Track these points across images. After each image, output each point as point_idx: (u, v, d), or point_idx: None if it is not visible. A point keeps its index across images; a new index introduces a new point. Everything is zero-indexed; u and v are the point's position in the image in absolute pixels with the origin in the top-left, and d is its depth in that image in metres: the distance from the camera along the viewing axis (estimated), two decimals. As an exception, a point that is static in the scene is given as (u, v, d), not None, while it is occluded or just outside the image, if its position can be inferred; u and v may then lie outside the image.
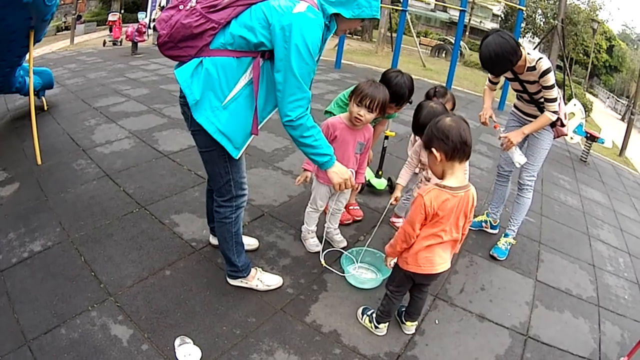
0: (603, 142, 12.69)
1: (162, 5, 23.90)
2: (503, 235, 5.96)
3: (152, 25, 22.21)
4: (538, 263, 5.78)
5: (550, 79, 5.07)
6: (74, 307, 3.85)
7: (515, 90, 5.64)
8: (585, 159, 12.22)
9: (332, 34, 3.72)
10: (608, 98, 57.02)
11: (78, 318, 3.75)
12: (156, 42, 3.51)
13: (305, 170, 4.71)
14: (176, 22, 3.27)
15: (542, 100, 5.35)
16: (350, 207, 5.76)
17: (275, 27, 3.19)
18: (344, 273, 4.57)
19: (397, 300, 3.80)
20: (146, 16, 26.52)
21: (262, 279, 4.24)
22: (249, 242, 4.75)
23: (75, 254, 4.49)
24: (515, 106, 5.85)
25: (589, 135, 12.31)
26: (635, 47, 73.88)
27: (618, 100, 51.65)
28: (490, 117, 5.66)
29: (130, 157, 6.87)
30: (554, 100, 5.19)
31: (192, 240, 4.86)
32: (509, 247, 5.84)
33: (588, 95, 38.58)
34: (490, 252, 5.78)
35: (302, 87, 3.28)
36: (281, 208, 5.78)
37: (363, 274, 4.62)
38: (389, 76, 4.85)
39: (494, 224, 6.23)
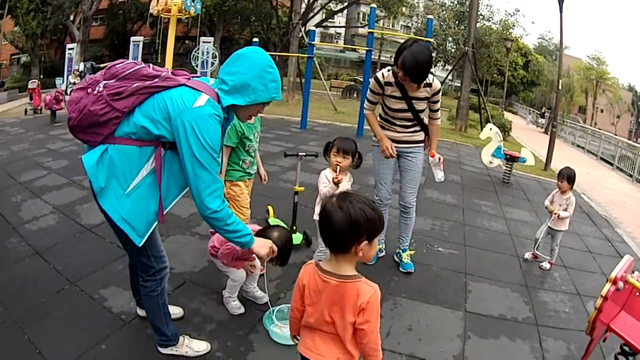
0: (525, 161, 12.86)
1: (79, 70, 23.73)
2: (402, 251, 6.28)
3: (68, 91, 21.94)
4: (466, 294, 5.86)
5: (440, 96, 5.77)
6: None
7: (393, 110, 5.85)
8: (508, 180, 12.54)
9: (231, 123, 3.94)
10: (529, 114, 57.86)
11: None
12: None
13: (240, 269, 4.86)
14: (84, 108, 3.36)
15: (422, 116, 5.88)
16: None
17: (176, 122, 3.32)
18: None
19: None
20: (63, 82, 26.25)
21: (191, 346, 4.28)
22: (174, 311, 4.76)
23: (19, 333, 4.48)
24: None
25: (508, 156, 12.65)
26: (553, 58, 75.26)
27: (544, 115, 52.46)
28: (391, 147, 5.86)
29: (56, 233, 6.85)
30: (439, 110, 5.93)
31: (122, 313, 4.87)
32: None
33: (507, 115, 39.10)
34: (402, 270, 6.13)
35: (214, 177, 3.43)
36: (202, 274, 5.81)
37: (286, 331, 4.58)
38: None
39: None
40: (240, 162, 5.49)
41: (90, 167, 3.41)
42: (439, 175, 6.08)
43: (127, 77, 3.44)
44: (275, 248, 3.90)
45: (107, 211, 3.47)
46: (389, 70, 5.74)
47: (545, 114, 51.70)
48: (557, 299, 6.03)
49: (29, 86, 23.53)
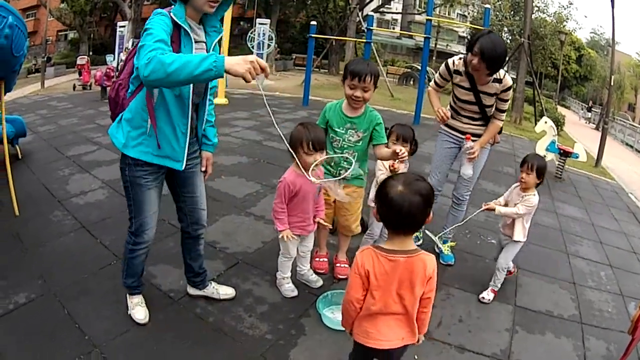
0: (577, 157, 12.72)
1: (128, 48, 23.95)
2: (442, 242, 6.19)
3: (119, 68, 22.17)
4: (516, 288, 5.79)
5: (510, 94, 5.52)
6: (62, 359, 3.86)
7: (460, 101, 5.79)
8: (560, 175, 12.35)
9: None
10: (582, 110, 57.17)
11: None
12: None
13: (281, 231, 4.63)
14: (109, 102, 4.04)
15: (489, 111, 5.71)
16: (337, 264, 5.56)
17: None
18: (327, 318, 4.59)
19: None
20: (114, 59, 26.50)
21: (133, 309, 4.40)
22: (227, 292, 4.79)
23: (58, 307, 4.50)
24: (448, 125, 6.02)
25: (562, 151, 12.45)
26: (605, 53, 74.65)
27: (590, 110, 51.98)
28: (448, 119, 5.82)
29: (104, 208, 6.88)
30: (505, 111, 5.67)
31: (170, 291, 4.87)
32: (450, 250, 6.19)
33: (560, 109, 38.70)
34: (442, 262, 6.05)
35: (145, 45, 3.23)
36: (255, 255, 5.79)
37: (339, 316, 4.58)
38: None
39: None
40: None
41: (111, 133, 3.89)
42: (467, 169, 5.68)
43: (126, 62, 3.94)
44: (264, 64, 3.28)
45: (141, 158, 3.76)
46: (460, 59, 5.66)
47: (592, 109, 51.30)
48: (602, 298, 5.96)
49: (78, 62, 23.91)
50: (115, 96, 3.90)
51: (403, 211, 2.67)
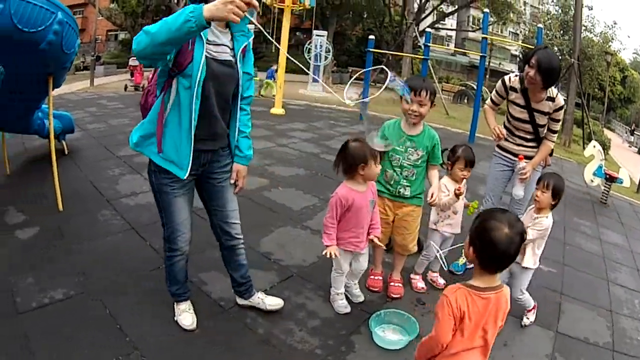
0: (622, 183, 12.57)
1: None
2: None
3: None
4: (559, 314, 5.77)
5: (562, 114, 5.59)
6: (99, 358, 3.89)
7: (515, 120, 5.83)
8: (605, 201, 12.20)
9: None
10: (625, 133, 56.39)
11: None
12: None
13: (327, 246, 4.64)
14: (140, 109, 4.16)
15: (542, 131, 5.76)
16: (391, 283, 5.56)
17: None
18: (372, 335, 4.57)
19: None
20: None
21: (180, 316, 4.42)
22: (272, 302, 4.77)
23: (99, 305, 4.55)
24: (501, 147, 6.06)
25: (608, 176, 12.29)
26: (645, 74, 73.51)
27: (633, 133, 51.33)
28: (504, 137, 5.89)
29: (156, 211, 6.79)
30: (557, 132, 5.72)
31: (221, 299, 4.89)
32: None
33: (606, 132, 38.18)
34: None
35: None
36: (310, 269, 5.79)
37: (389, 336, 4.62)
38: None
39: None
40: (382, 173, 5.05)
41: (130, 136, 3.96)
42: (519, 190, 5.72)
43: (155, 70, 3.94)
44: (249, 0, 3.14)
45: (151, 157, 3.89)
46: (516, 76, 5.79)
47: (635, 132, 50.67)
48: (634, 326, 5.92)
49: (131, 63, 24.12)
50: (144, 103, 4.04)
51: (508, 253, 2.74)
